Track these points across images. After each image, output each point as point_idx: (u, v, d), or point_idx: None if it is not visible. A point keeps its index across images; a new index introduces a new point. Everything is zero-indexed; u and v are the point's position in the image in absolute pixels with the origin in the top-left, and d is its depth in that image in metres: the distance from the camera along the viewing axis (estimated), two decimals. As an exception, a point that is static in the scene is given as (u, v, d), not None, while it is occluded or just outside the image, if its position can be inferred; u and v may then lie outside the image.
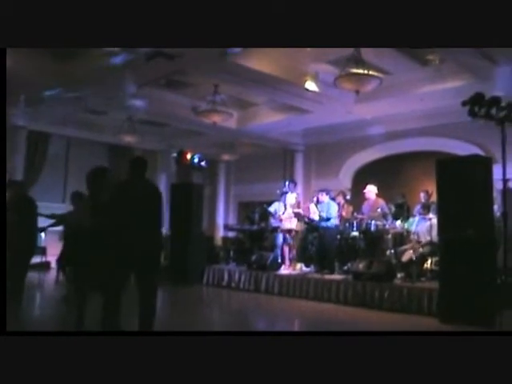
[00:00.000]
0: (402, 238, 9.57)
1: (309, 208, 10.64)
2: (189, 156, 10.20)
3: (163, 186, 13.29)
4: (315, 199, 10.62)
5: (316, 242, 10.26)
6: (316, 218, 10.23)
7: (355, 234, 10.04)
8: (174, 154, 10.16)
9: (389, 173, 12.01)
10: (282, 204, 10.70)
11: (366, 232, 9.80)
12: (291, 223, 10.52)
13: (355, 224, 9.95)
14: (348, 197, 11.23)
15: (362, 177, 12.39)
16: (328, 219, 9.99)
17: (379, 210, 9.99)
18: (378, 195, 10.52)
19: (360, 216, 10.19)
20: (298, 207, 10.57)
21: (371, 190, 10.48)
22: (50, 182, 14.17)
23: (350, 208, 10.81)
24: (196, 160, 10.23)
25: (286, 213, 10.58)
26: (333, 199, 10.65)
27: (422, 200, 9.69)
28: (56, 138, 14.00)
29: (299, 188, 11.80)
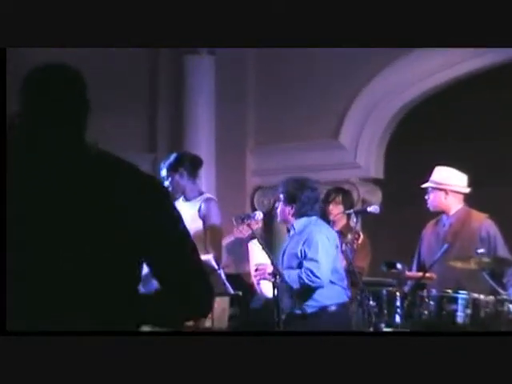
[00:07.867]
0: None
1: (244, 246, 4.38)
2: None
3: None
4: (259, 217, 4.19)
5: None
6: (268, 279, 3.87)
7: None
8: None
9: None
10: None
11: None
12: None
13: (399, 300, 3.94)
14: (371, 208, 4.35)
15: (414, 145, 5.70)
16: (313, 288, 3.76)
17: (482, 250, 3.86)
18: (467, 200, 4.30)
19: (414, 274, 4.21)
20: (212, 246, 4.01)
21: (453, 184, 4.27)
22: None
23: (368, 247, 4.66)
24: None
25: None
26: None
27: None
28: None
29: (208, 181, 4.89)
